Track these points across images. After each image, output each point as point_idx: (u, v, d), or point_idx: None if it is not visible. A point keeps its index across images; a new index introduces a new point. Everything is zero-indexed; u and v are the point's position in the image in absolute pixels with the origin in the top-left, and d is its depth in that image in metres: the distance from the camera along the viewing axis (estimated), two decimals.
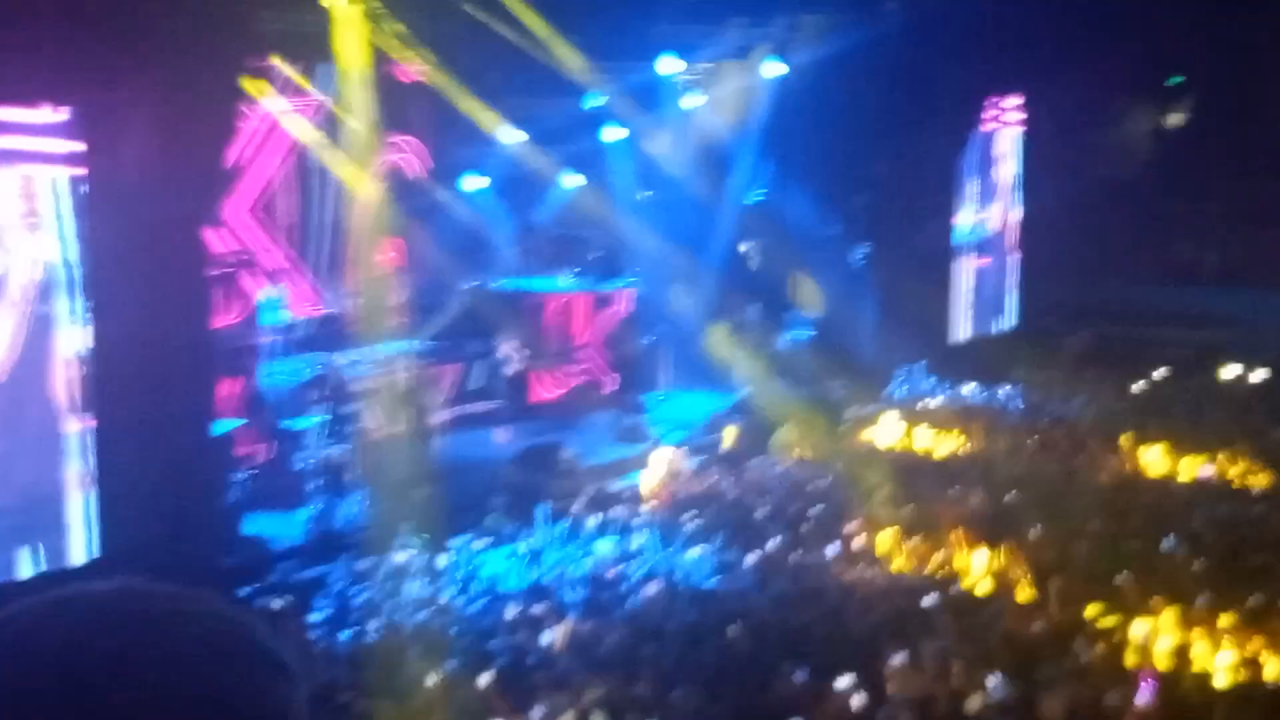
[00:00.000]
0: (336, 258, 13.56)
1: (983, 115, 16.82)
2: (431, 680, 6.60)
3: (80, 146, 7.90)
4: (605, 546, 8.88)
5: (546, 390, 13.94)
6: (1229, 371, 14.38)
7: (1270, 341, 14.65)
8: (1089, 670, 6.73)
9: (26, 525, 7.86)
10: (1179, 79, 17.81)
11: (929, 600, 7.68)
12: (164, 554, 7.45)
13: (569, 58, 13.09)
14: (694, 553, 8.70)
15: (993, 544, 8.66)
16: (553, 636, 7.24)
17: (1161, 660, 6.91)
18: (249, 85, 10.80)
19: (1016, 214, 17.98)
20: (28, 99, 7.70)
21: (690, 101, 15.20)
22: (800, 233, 16.14)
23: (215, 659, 1.02)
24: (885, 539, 8.94)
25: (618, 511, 9.62)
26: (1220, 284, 17.30)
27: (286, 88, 12.63)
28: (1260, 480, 10.47)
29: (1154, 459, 11.22)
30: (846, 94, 14.34)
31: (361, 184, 13.23)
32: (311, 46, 12.34)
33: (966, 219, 16.96)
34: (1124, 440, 11.52)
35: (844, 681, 6.46)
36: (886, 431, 12.46)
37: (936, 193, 15.95)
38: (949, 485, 10.19)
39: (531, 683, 6.64)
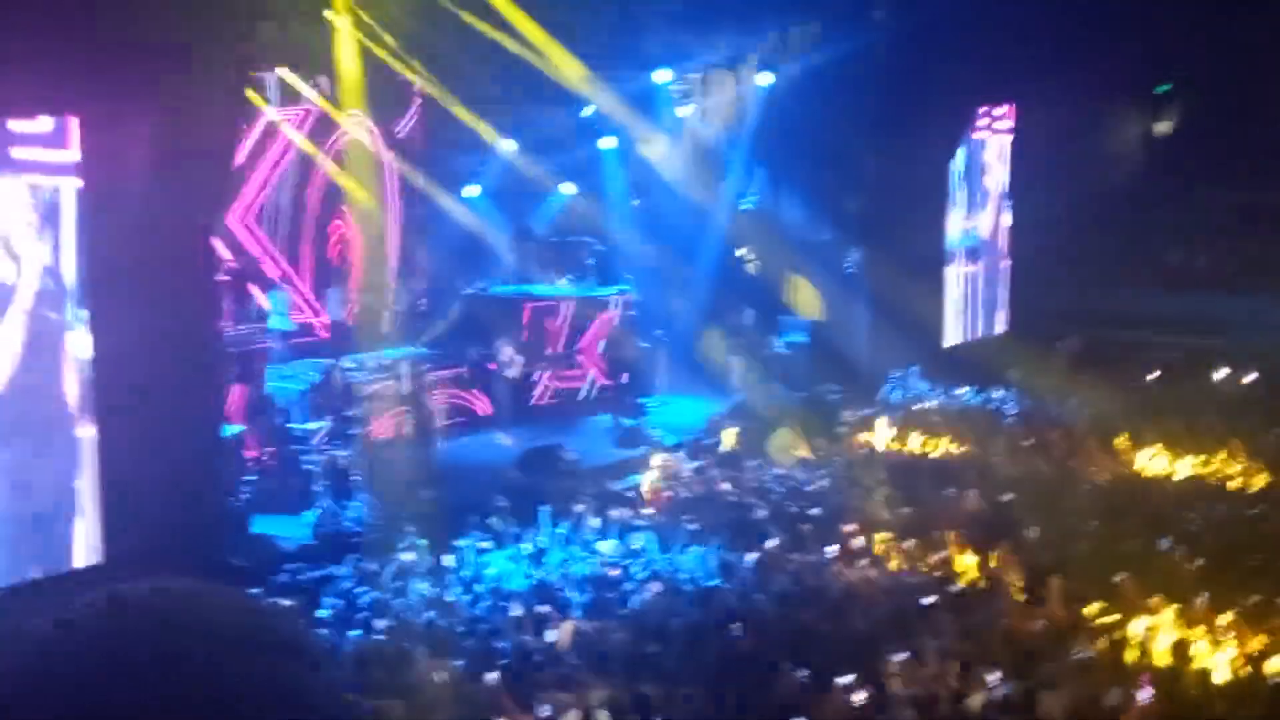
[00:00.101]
0: (334, 263, 13.66)
1: (974, 122, 17.00)
2: (438, 678, 6.68)
3: (84, 156, 7.98)
4: (606, 547, 8.98)
5: (546, 394, 14.04)
6: (1221, 375, 14.55)
7: (1262, 345, 14.82)
8: (1090, 668, 6.82)
9: (33, 530, 7.92)
10: (1167, 87, 18.02)
11: (928, 599, 7.79)
12: (172, 556, 7.52)
13: (565, 67, 13.24)
14: (693, 553, 8.81)
15: (989, 545, 8.77)
16: (556, 636, 7.33)
17: (1160, 658, 7.01)
18: (247, 94, 10.91)
19: (1008, 219, 18.17)
20: (32, 110, 7.78)
21: (684, 110, 15.36)
22: (793, 238, 16.30)
23: (252, 650, 1.11)
24: (882, 540, 9.05)
25: (618, 513, 9.72)
26: (1211, 288, 17.47)
27: (284, 97, 12.75)
28: (1258, 480, 10.61)
29: (1149, 460, 11.37)
30: (838, 101, 14.50)
31: (361, 193, 13.36)
32: (310, 57, 12.47)
33: (958, 225, 17.13)
34: (1119, 442, 11.67)
35: (845, 680, 6.55)
36: (882, 434, 12.58)
37: (928, 199, 16.11)
38: (945, 487, 10.32)
39: (536, 682, 6.72)
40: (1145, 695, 6.37)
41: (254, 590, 7.78)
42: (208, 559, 8.02)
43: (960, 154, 16.82)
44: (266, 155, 12.79)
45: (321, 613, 7.46)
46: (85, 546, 8.11)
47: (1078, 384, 13.94)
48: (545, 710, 6.35)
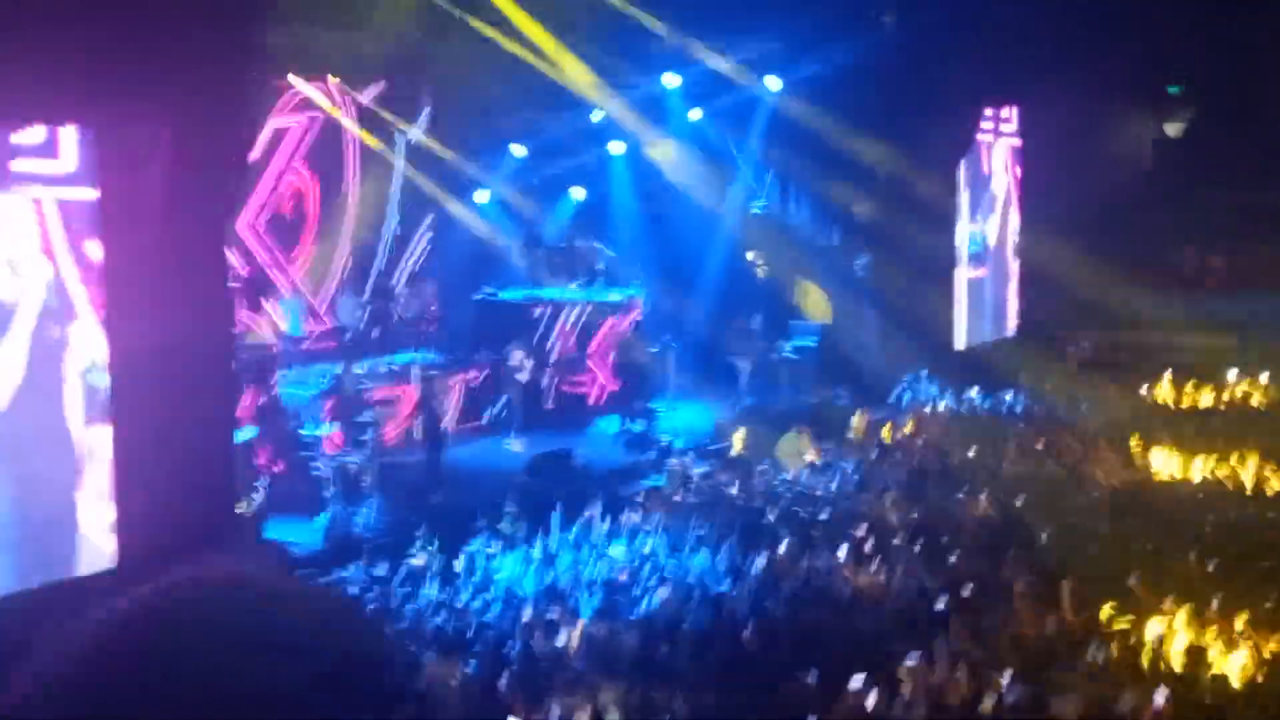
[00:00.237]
0: (347, 269, 13.71)
1: (981, 125, 16.98)
2: (450, 680, 6.70)
3: (101, 163, 8.03)
4: (617, 550, 8.99)
5: (556, 398, 14.07)
6: (1234, 377, 14.48)
7: (1275, 347, 14.74)
8: (1103, 672, 6.79)
9: (37, 539, 7.94)
10: (1178, 88, 17.96)
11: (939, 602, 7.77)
12: (185, 560, 7.55)
13: (575, 73, 13.28)
14: (704, 556, 8.81)
15: (1000, 548, 8.74)
16: (567, 638, 7.34)
17: (1175, 662, 6.97)
18: (261, 100, 10.97)
19: (1017, 222, 18.13)
20: (43, 118, 7.82)
21: (692, 114, 15.39)
22: (802, 242, 16.31)
23: (330, 635, 1.12)
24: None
25: (628, 516, 9.73)
26: (1225, 290, 17.38)
27: (296, 103, 12.82)
28: (1273, 482, 10.54)
29: (1162, 462, 11.32)
30: (846, 104, 14.51)
31: (371, 196, 13.41)
32: (323, 63, 12.54)
33: (966, 228, 17.11)
34: (1131, 444, 11.62)
35: (856, 682, 6.54)
36: (892, 437, 12.56)
37: (936, 202, 16.10)
38: (955, 490, 10.29)
39: (547, 683, 6.73)
40: (1160, 699, 6.34)
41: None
42: (220, 564, 8.04)
43: (968, 157, 16.81)
44: (280, 160, 12.86)
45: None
46: (95, 554, 8.13)
47: (1088, 386, 13.90)
48: (555, 713, 6.36)
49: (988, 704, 6.42)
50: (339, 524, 9.89)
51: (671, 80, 14.79)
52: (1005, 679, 6.50)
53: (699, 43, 14.39)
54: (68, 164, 7.96)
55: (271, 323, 12.21)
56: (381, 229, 13.90)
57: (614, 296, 14.93)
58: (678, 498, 10.42)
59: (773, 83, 15.08)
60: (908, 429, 12.74)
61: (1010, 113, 17.74)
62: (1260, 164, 16.71)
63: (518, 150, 14.39)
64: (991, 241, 17.87)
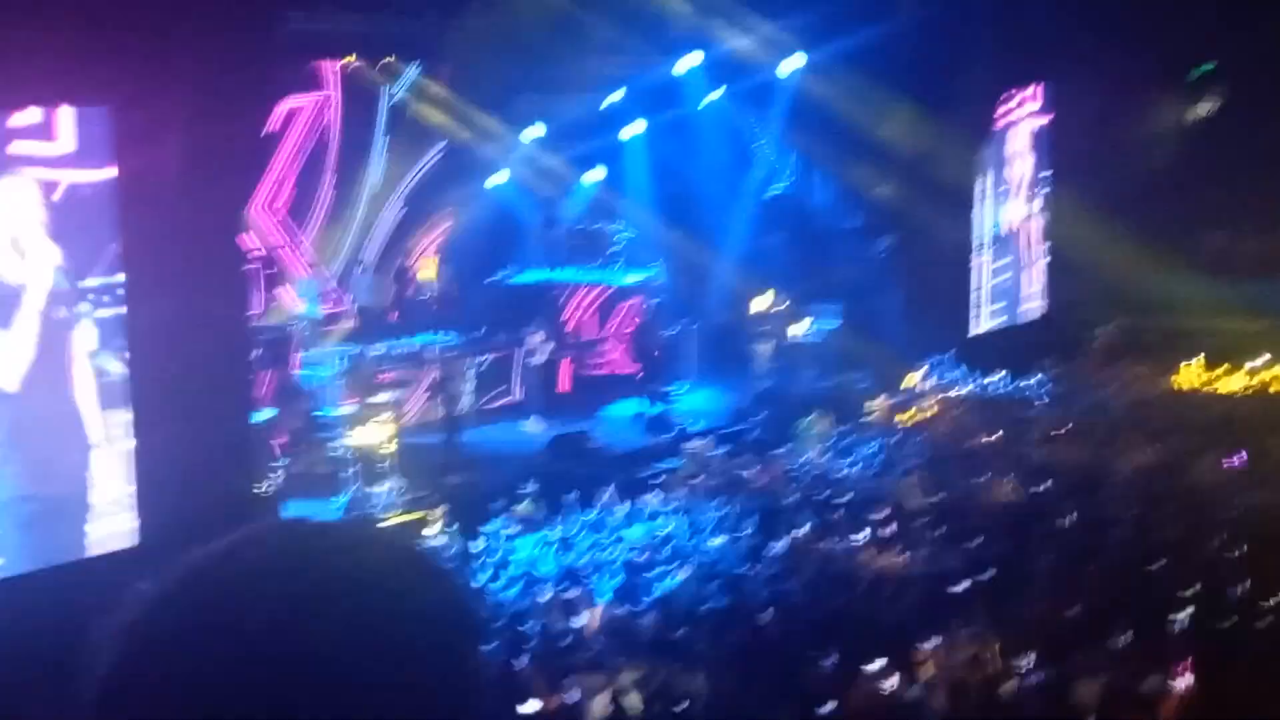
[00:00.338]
0: (363, 251, 13.69)
1: (1006, 105, 16.74)
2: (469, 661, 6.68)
3: (119, 145, 8.02)
4: (635, 532, 8.95)
5: (574, 380, 14.02)
6: (1262, 360, 14.24)
7: None
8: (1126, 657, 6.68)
9: (55, 515, 7.99)
10: (1209, 66, 17.61)
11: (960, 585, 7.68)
12: (203, 540, 7.56)
13: (591, 53, 13.16)
14: (723, 538, 8.76)
15: (1024, 533, 8.64)
16: (585, 619, 7.32)
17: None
18: (275, 82, 10.93)
19: (1043, 203, 17.88)
20: (61, 99, 7.81)
21: (712, 95, 15.24)
22: (824, 224, 16.15)
23: (411, 578, 1.05)
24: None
25: (646, 499, 9.69)
26: (1256, 274, 17.07)
27: (308, 84, 12.77)
28: None
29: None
30: (868, 84, 14.32)
31: (388, 182, 13.35)
32: (337, 45, 12.48)
33: (990, 209, 16.88)
34: (1157, 427, 11.45)
35: (876, 665, 6.48)
36: (913, 420, 12.44)
37: (960, 183, 15.90)
38: (978, 474, 10.18)
39: (566, 664, 6.71)
40: (1183, 683, 6.25)
41: None
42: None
43: (991, 139, 16.58)
44: (294, 142, 12.83)
45: None
46: (107, 533, 8.17)
47: (1115, 370, 13.70)
48: (574, 694, 6.34)
49: (1008, 687, 6.35)
50: (357, 505, 9.91)
51: (692, 59, 14.64)
52: (1026, 663, 6.42)
53: (722, 20, 14.23)
54: (66, 145, 7.95)
55: (289, 303, 12.20)
56: (397, 211, 13.85)
57: (632, 278, 14.84)
58: (696, 480, 10.37)
59: (795, 62, 14.89)
60: (930, 412, 12.61)
61: (1036, 91, 17.45)
62: None
63: (536, 131, 14.29)
64: (1016, 224, 17.63)
